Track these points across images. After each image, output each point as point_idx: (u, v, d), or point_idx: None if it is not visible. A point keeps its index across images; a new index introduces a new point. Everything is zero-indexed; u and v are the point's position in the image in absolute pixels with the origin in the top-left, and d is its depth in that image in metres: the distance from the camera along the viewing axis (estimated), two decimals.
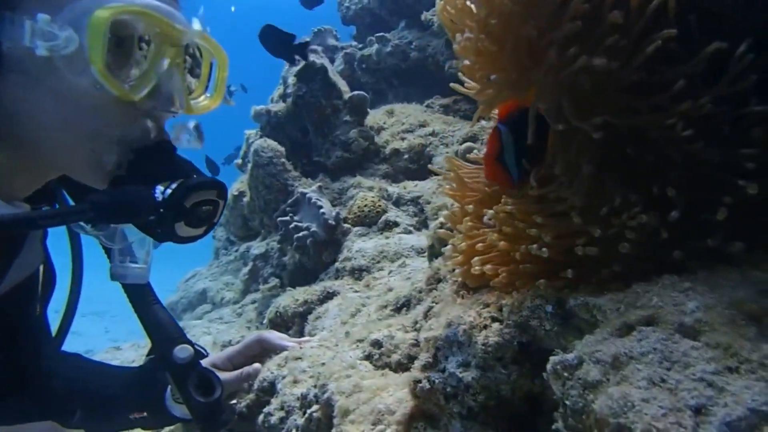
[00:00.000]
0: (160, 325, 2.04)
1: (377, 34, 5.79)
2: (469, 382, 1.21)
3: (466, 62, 1.23)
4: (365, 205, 3.43)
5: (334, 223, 3.40)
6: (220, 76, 1.56)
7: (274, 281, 5.07)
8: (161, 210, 1.30)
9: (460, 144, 3.55)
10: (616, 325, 0.94)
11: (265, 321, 3.52)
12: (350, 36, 7.87)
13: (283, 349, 2.25)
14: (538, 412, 1.27)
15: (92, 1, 1.24)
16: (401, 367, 1.77)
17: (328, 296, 2.99)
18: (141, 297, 2.05)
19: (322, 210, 3.40)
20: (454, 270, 1.53)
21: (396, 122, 4.25)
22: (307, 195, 3.55)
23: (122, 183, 1.34)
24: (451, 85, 1.55)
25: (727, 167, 1.03)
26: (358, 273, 3.06)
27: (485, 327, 1.22)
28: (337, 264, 3.25)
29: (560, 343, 1.13)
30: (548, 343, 1.17)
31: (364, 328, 2.02)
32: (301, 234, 3.45)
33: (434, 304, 1.78)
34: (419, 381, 1.28)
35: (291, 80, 4.17)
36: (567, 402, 0.90)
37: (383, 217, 3.37)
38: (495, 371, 1.20)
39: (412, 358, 1.79)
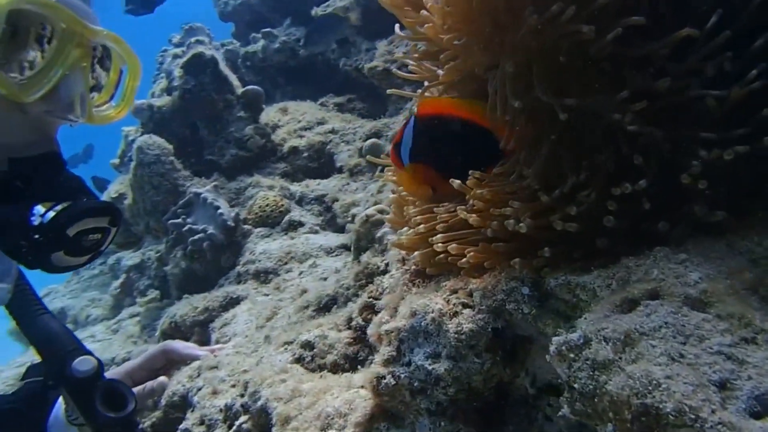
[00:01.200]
0: (51, 337, 1.82)
1: (263, 30, 5.63)
2: (440, 374, 1.14)
3: (429, 25, 1.16)
4: (267, 205, 3.30)
5: (233, 224, 3.23)
6: (130, 86, 1.40)
7: (153, 293, 4.78)
8: (36, 236, 1.12)
9: (364, 141, 3.50)
10: (617, 301, 0.91)
11: (156, 333, 3.30)
12: (230, 34, 7.65)
13: (194, 358, 2.08)
14: (507, 403, 1.23)
15: None
16: (338, 367, 1.68)
17: (233, 302, 2.84)
18: (23, 308, 1.82)
19: (219, 210, 3.23)
20: (403, 260, 1.47)
21: (291, 120, 4.14)
22: (202, 195, 3.36)
23: None
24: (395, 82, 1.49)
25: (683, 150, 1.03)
26: (263, 276, 2.93)
27: (455, 314, 1.16)
28: (238, 268, 3.09)
29: (538, 327, 1.09)
30: (525, 328, 1.13)
31: (291, 329, 1.92)
32: (196, 237, 3.26)
33: (372, 299, 1.71)
34: (382, 377, 1.20)
35: (177, 72, 3.95)
36: (575, 385, 0.86)
37: (287, 217, 3.25)
38: (467, 361, 1.15)
39: (349, 358, 1.71)
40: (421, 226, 1.26)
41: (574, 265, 1.06)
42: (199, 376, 1.96)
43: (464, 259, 1.16)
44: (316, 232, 3.19)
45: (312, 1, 5.59)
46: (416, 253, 1.27)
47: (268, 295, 2.67)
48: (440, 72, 1.25)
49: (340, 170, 3.57)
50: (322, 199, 3.39)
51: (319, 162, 3.79)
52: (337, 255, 2.95)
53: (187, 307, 2.95)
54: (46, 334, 1.82)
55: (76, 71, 1.20)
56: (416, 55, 1.42)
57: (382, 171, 3.29)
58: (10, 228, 1.14)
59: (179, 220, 3.39)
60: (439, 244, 1.18)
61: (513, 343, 1.16)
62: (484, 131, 1.26)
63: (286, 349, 1.79)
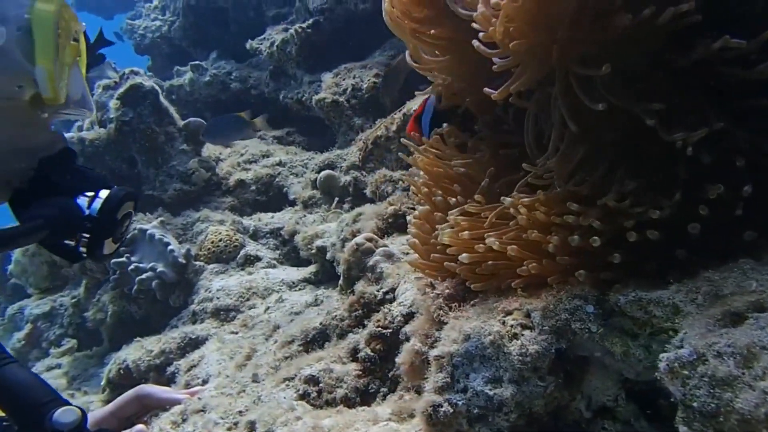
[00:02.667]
0: (21, 388, 1.65)
1: (192, 63, 5.49)
2: (504, 399, 1.10)
3: (498, 29, 1.10)
4: (220, 240, 3.17)
5: (184, 261, 3.08)
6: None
7: (69, 343, 4.46)
8: (89, 225, 1.16)
9: (317, 172, 3.44)
10: (717, 315, 0.90)
11: (101, 382, 3.07)
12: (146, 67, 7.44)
13: (173, 403, 1.93)
14: (559, 427, 1.20)
15: None
16: (350, 402, 1.61)
17: (193, 343, 2.69)
18: None
19: (170, 247, 3.07)
20: (432, 285, 1.42)
21: (234, 153, 4.02)
22: (148, 232, 3.19)
23: (26, 196, 1.16)
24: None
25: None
26: (224, 313, 2.79)
27: (515, 336, 1.13)
28: (193, 306, 2.94)
29: (604, 347, 1.08)
30: (588, 348, 1.11)
31: (287, 365, 1.82)
32: (144, 276, 3.08)
33: (382, 329, 1.66)
34: (439, 405, 1.14)
35: (113, 104, 3.77)
36: (693, 404, 0.83)
37: (242, 252, 3.13)
38: (530, 384, 1.11)
39: (360, 391, 1.64)
40: (466, 232, 1.23)
41: (643, 281, 1.05)
42: (185, 421, 1.82)
43: (523, 268, 1.13)
44: (274, 266, 3.09)
45: (239, 36, 5.56)
46: (464, 255, 1.22)
47: (236, 333, 2.55)
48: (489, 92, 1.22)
49: (292, 203, 3.49)
50: (277, 232, 3.29)
51: (268, 195, 3.69)
52: (300, 289, 2.87)
53: (139, 351, 2.77)
54: (14, 384, 1.65)
55: (76, 65, 1.21)
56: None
57: (339, 203, 3.24)
58: (68, 220, 1.14)
59: (123, 259, 3.20)
60: (495, 244, 1.15)
61: (574, 364, 1.14)
62: None
63: (287, 385, 1.70)
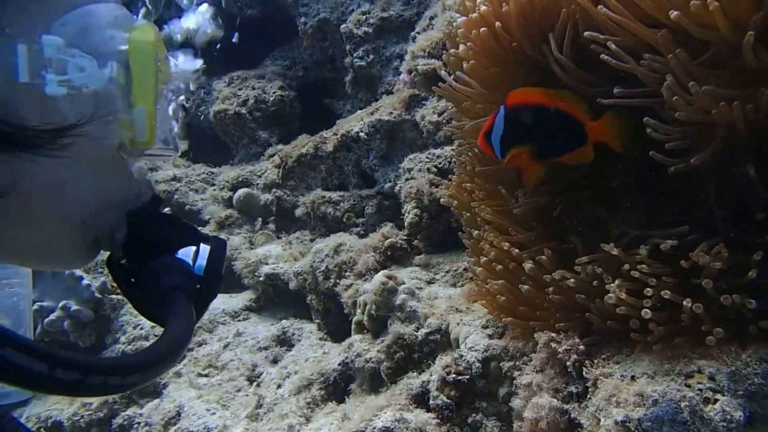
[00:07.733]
0: None
1: None
2: None
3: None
4: None
5: (100, 295, 2.65)
6: None
7: None
8: (198, 287, 0.89)
9: (230, 189, 3.13)
10: None
11: None
12: None
13: None
14: None
15: (92, 16, 0.81)
16: None
17: (142, 390, 2.33)
18: None
19: (84, 281, 2.62)
20: (554, 340, 1.38)
21: None
22: None
23: (129, 257, 0.88)
24: None
25: None
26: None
27: (707, 401, 1.14)
28: (122, 347, 2.53)
29: None
30: None
31: (340, 417, 1.66)
32: (53, 317, 2.59)
33: (457, 375, 1.58)
34: None
35: None
36: None
37: None
38: None
39: None
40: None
41: None
42: None
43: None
44: None
45: None
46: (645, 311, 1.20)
47: (206, 375, 2.25)
48: None
49: (203, 224, 3.15)
50: None
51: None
52: (245, 319, 2.62)
53: (70, 405, 2.34)
54: None
55: (161, 99, 0.98)
56: None
57: (264, 224, 3.00)
58: (187, 283, 0.87)
59: None
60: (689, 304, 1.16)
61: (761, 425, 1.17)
62: (572, 118, 1.32)
63: None
